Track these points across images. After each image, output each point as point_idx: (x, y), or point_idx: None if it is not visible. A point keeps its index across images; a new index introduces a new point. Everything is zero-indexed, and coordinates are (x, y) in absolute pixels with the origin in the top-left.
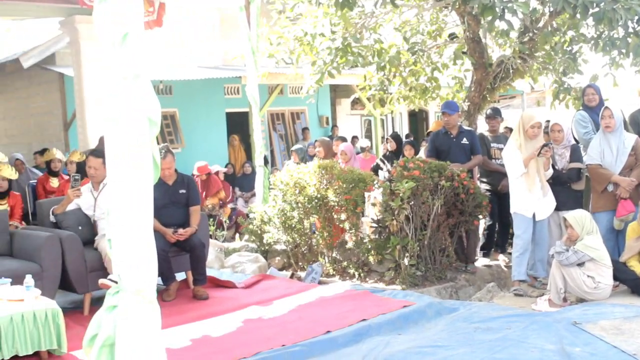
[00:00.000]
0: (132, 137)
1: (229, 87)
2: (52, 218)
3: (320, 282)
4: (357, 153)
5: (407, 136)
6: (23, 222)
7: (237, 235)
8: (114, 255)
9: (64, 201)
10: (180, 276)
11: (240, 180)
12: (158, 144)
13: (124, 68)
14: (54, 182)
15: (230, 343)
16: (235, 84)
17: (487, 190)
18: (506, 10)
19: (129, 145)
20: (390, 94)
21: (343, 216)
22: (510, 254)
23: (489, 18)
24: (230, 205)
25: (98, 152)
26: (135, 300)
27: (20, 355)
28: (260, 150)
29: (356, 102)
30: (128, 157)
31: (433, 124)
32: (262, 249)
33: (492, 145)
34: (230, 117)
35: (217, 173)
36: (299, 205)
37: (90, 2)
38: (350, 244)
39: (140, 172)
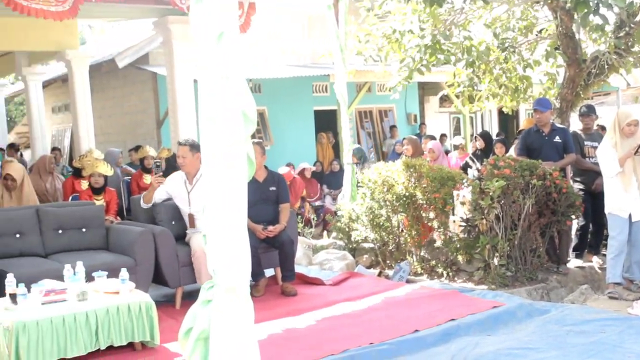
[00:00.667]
0: (228, 135)
1: (317, 85)
2: (142, 205)
3: (408, 281)
4: (446, 151)
5: (497, 134)
6: (118, 217)
7: (325, 232)
8: (208, 251)
9: (149, 190)
10: (269, 272)
11: (328, 178)
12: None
13: (220, 67)
14: (147, 179)
15: (318, 339)
16: (324, 82)
17: (581, 189)
18: (601, 5)
19: (225, 143)
20: (480, 91)
21: (431, 214)
22: (604, 255)
23: (583, 12)
24: (318, 203)
25: (185, 141)
26: (229, 295)
27: (115, 345)
28: (348, 148)
29: (444, 100)
30: (224, 154)
31: (524, 121)
32: (350, 246)
33: (585, 143)
34: (318, 114)
35: (304, 170)
36: (387, 203)
37: (181, 4)
38: (438, 243)
39: (235, 170)
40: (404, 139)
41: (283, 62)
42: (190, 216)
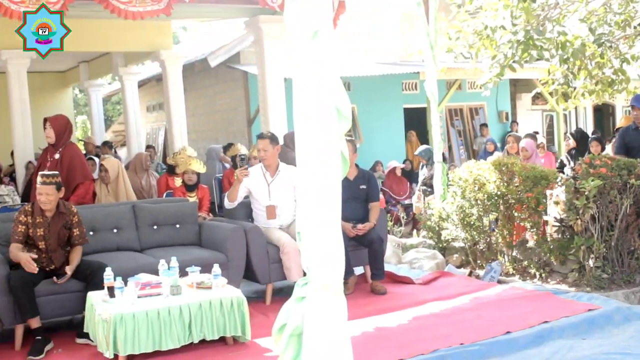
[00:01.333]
0: (322, 133)
1: (406, 82)
2: (227, 204)
3: (499, 282)
4: None
5: (593, 132)
6: (210, 214)
7: (415, 231)
8: (302, 248)
9: (234, 183)
10: (358, 270)
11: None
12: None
13: (314, 65)
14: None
15: (408, 339)
16: (413, 79)
17: None
18: None
19: (319, 141)
20: (575, 88)
21: (524, 214)
22: None
23: None
24: (407, 202)
25: (264, 134)
26: (322, 292)
27: (207, 339)
28: (438, 146)
29: (537, 97)
30: (318, 152)
31: (621, 119)
32: (440, 245)
33: None
34: (407, 112)
35: (394, 169)
36: (478, 202)
37: (272, 3)
38: (531, 243)
39: (330, 167)
40: (508, 135)
41: (372, 60)
42: (270, 208)
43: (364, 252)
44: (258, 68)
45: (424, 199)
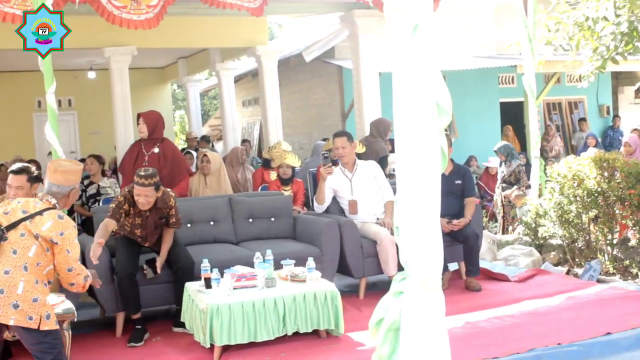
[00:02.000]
0: (422, 127)
1: (503, 76)
2: (316, 208)
3: (598, 281)
4: None
5: None
6: (305, 208)
7: (510, 227)
8: (401, 243)
9: (319, 183)
10: (452, 266)
11: None
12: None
13: (414, 59)
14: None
15: (503, 337)
16: (510, 73)
17: None
18: None
19: (418, 136)
20: None
21: (626, 212)
22: None
23: None
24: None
25: (341, 132)
26: (420, 288)
27: (301, 332)
28: (536, 141)
29: None
30: (418, 147)
31: None
32: (537, 242)
33: None
34: (504, 107)
35: (488, 169)
36: (577, 198)
37: None
38: (633, 242)
39: (429, 162)
40: (635, 129)
41: (468, 54)
42: (352, 202)
43: (459, 248)
44: (353, 62)
45: (503, 195)
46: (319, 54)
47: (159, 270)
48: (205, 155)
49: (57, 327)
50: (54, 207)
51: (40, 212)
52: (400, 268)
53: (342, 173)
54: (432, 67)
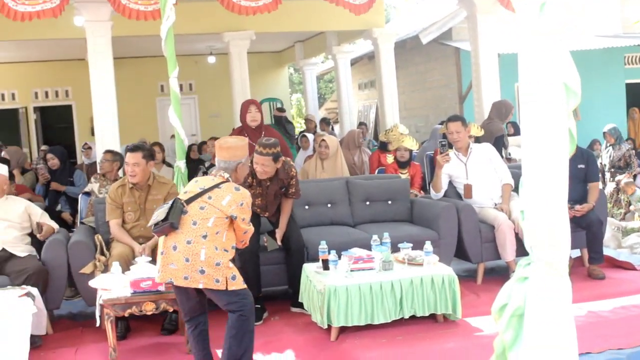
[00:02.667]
0: (549, 109)
1: (629, 56)
2: (433, 195)
3: None
4: None
5: None
6: (422, 191)
7: (636, 214)
8: (526, 227)
9: (436, 170)
10: (574, 253)
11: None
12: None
13: (542, 38)
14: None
15: (628, 328)
16: (636, 52)
17: None
18: None
19: (546, 118)
20: None
21: None
22: None
23: None
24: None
25: (455, 117)
26: (546, 272)
27: (417, 316)
28: None
29: None
30: (546, 130)
31: None
32: None
33: None
34: (630, 88)
35: None
36: None
37: None
38: None
39: (557, 145)
40: None
41: (591, 32)
42: (468, 186)
43: (582, 235)
44: (471, 44)
45: (613, 180)
46: (436, 35)
47: (279, 242)
48: (323, 140)
49: (244, 286)
50: (227, 181)
51: (217, 185)
52: (519, 254)
53: (457, 157)
54: (560, 46)
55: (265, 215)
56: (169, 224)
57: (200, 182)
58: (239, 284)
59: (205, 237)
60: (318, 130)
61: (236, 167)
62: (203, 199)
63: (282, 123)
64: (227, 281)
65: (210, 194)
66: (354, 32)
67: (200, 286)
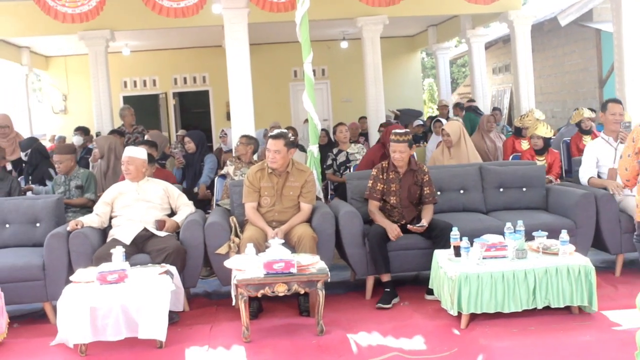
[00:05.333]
0: None
1: None
2: (582, 180)
3: None
4: None
5: None
6: (558, 179)
7: None
8: None
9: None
10: None
11: None
12: None
13: None
14: (585, 140)
15: None
16: None
17: None
18: None
19: None
20: None
21: None
22: None
23: None
24: None
25: (618, 100)
26: None
27: (552, 307)
28: None
29: None
30: None
31: None
32: None
33: None
34: None
35: None
36: None
37: None
38: None
39: None
40: None
41: None
42: (612, 170)
43: None
44: (614, 25)
45: None
46: (576, 17)
47: (425, 224)
48: (443, 128)
49: None
50: None
51: None
52: None
53: (606, 142)
54: None
55: (403, 223)
56: None
57: None
58: None
59: None
60: (451, 115)
61: None
62: None
63: (474, 111)
64: None
65: None
66: (489, 15)
67: None
